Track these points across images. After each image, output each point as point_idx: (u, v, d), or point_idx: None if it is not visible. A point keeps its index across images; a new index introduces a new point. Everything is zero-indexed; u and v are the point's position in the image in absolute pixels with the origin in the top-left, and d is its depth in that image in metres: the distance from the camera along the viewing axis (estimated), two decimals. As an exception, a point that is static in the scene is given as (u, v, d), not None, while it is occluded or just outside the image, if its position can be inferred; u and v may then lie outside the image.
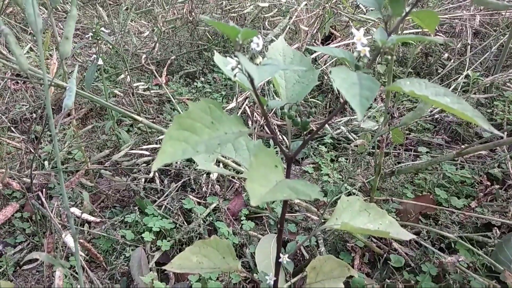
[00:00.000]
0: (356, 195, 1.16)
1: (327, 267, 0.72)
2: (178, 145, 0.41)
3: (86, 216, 0.95)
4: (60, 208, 1.08)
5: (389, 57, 0.46)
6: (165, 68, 1.66)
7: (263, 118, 1.59)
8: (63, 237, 0.76)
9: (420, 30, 1.73)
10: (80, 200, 1.31)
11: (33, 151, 1.43)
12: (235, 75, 0.46)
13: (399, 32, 1.23)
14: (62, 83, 0.77)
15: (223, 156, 0.70)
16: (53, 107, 1.84)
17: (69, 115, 0.94)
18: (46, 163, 1.46)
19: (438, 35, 1.93)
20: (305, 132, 0.55)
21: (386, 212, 0.68)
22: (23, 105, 1.85)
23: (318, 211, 1.01)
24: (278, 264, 0.67)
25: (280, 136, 1.49)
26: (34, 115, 1.77)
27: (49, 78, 0.53)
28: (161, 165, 0.39)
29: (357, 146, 1.28)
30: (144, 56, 1.58)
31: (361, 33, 0.44)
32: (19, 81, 1.96)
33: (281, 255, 0.65)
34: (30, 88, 1.96)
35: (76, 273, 1.01)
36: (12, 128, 1.71)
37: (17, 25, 2.50)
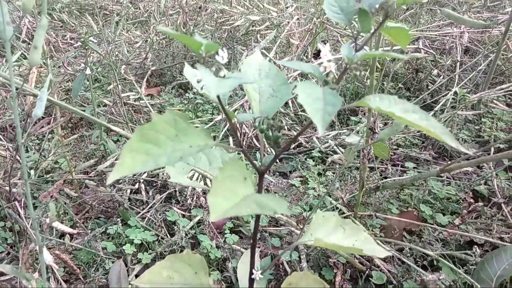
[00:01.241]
0: (340, 209, 1.16)
1: (303, 283, 0.71)
2: (139, 157, 0.40)
3: (63, 227, 0.93)
4: (41, 219, 1.07)
5: (357, 73, 0.46)
6: (145, 79, 1.65)
7: (252, 130, 1.59)
8: (36, 248, 0.75)
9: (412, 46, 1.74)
10: (63, 211, 1.30)
11: (18, 159, 1.42)
12: (202, 88, 0.45)
13: (379, 48, 1.24)
14: (36, 92, 0.76)
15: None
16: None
17: (48, 123, 0.93)
18: (32, 171, 1.45)
19: (429, 52, 1.94)
20: (277, 146, 0.55)
21: (362, 228, 0.67)
22: (21, 113, 1.85)
23: (298, 225, 1.00)
24: (251, 281, 0.66)
25: (270, 149, 1.48)
26: (23, 123, 1.76)
27: (17, 86, 0.53)
28: (118, 177, 0.38)
29: (333, 161, 1.28)
30: (123, 66, 1.57)
31: (327, 48, 0.44)
32: (10, 89, 1.96)
33: (254, 271, 0.64)
34: (21, 97, 1.96)
35: (58, 284, 0.99)
36: (0, 136, 1.70)
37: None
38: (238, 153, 1.40)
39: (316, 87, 0.43)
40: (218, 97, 0.44)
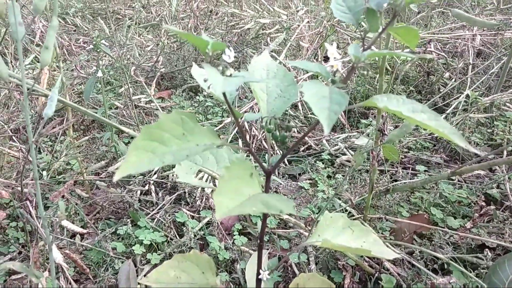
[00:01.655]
0: (349, 212, 1.15)
1: (310, 285, 0.70)
2: (144, 155, 0.41)
3: (73, 227, 0.94)
4: (52, 219, 1.08)
5: (365, 72, 0.46)
6: (154, 81, 1.66)
7: (261, 132, 1.59)
8: (47, 247, 0.76)
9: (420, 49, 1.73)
10: (75, 211, 1.31)
11: (30, 160, 1.44)
12: (209, 87, 0.45)
13: (390, 48, 1.23)
14: (48, 92, 0.77)
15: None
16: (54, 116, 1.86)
17: (60, 124, 0.94)
18: (44, 172, 1.47)
19: (441, 55, 1.92)
20: (284, 147, 0.55)
21: (370, 230, 0.66)
22: (33, 114, 1.88)
23: (306, 227, 0.99)
24: (258, 282, 0.65)
25: (279, 151, 1.48)
26: (35, 124, 1.78)
27: (28, 86, 0.54)
28: (124, 175, 0.38)
29: (342, 164, 1.27)
30: (133, 68, 1.59)
31: (334, 48, 0.44)
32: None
33: (261, 271, 0.64)
34: (34, 99, 1.99)
35: (68, 283, 1.00)
36: (14, 137, 1.73)
37: (27, 37, 2.55)
38: (247, 155, 1.41)
39: (322, 86, 0.43)
40: (224, 95, 0.44)
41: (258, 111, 1.45)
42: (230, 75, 0.42)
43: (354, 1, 0.48)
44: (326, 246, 0.63)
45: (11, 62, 2.24)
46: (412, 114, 0.46)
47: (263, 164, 0.55)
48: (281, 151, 1.29)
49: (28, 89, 0.54)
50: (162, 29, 2.03)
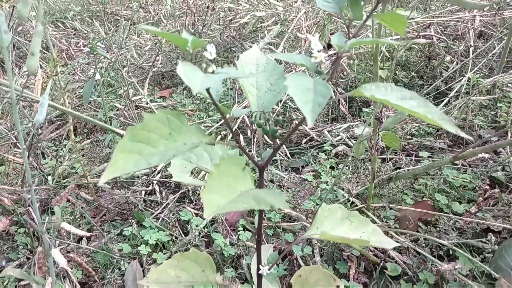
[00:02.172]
0: (353, 202, 1.14)
1: (313, 277, 0.70)
2: (131, 157, 0.41)
3: (77, 231, 0.95)
4: (53, 223, 1.09)
5: (351, 61, 0.45)
6: (147, 81, 1.66)
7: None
8: (51, 252, 0.77)
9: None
10: (80, 214, 1.32)
11: (34, 165, 1.45)
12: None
13: (380, 36, 1.22)
14: (38, 98, 0.78)
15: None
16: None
17: (57, 129, 0.95)
18: (49, 177, 1.48)
19: (442, 38, 1.90)
20: (274, 140, 0.54)
21: (369, 220, 0.66)
22: (30, 121, 1.89)
23: (307, 219, 0.99)
24: (259, 277, 0.65)
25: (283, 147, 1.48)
26: (40, 130, 1.80)
27: (17, 93, 0.54)
28: (110, 178, 0.38)
29: (338, 156, 1.26)
30: (125, 69, 1.59)
31: (316, 39, 0.43)
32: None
33: (261, 266, 0.64)
34: (32, 105, 2.00)
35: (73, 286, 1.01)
36: (18, 144, 1.74)
37: (26, 43, 2.56)
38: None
39: (306, 78, 0.42)
40: (209, 92, 0.44)
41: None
42: (213, 72, 0.41)
43: (337, -10, 0.47)
44: (324, 238, 0.63)
45: (13, 68, 2.25)
46: (400, 102, 0.45)
47: (255, 159, 0.55)
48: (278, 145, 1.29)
49: (17, 96, 0.54)
50: (159, 28, 2.03)
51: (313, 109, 0.39)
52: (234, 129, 1.52)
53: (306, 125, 1.47)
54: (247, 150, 1.45)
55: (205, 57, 0.41)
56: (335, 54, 0.47)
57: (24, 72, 2.10)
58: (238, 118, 1.53)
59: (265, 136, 0.55)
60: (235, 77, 0.50)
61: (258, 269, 0.64)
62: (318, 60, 0.43)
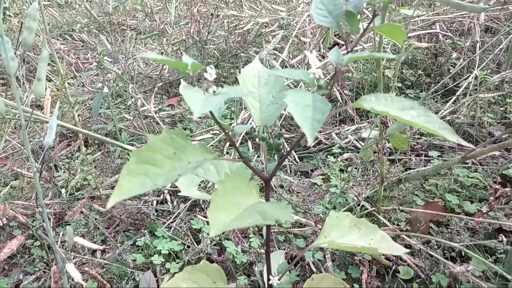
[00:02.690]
0: (363, 206, 1.14)
1: (323, 285, 0.70)
2: (137, 178, 0.42)
3: (90, 244, 0.97)
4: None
5: (350, 75, 0.46)
6: (153, 95, 1.68)
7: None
8: (66, 267, 0.78)
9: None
10: (94, 226, 1.34)
11: (48, 179, 1.48)
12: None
13: (382, 44, 1.21)
14: (47, 119, 0.79)
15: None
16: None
17: (68, 145, 0.97)
18: (63, 190, 1.50)
19: (448, 35, 1.88)
20: (279, 152, 0.55)
21: (377, 227, 0.66)
22: (41, 136, 1.92)
23: (316, 225, 0.99)
24: (270, 287, 0.66)
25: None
26: (44, 150, 1.82)
27: (27, 115, 0.55)
28: (117, 201, 0.39)
29: (345, 160, 1.26)
30: (131, 86, 1.61)
31: (314, 56, 0.44)
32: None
33: (270, 277, 0.64)
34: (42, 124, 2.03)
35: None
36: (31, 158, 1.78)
37: (36, 57, 2.60)
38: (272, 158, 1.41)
39: (306, 94, 0.43)
40: (211, 113, 0.45)
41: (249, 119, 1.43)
42: (214, 93, 0.42)
43: (334, 4, 0.48)
44: (333, 247, 0.63)
45: (23, 83, 2.29)
46: (400, 113, 0.45)
47: (260, 172, 0.55)
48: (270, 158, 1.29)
49: (26, 118, 0.55)
50: (165, 38, 2.05)
51: (312, 125, 0.39)
52: (241, 135, 1.52)
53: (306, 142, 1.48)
54: (255, 157, 1.46)
55: (205, 78, 0.42)
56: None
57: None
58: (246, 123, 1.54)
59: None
60: (235, 97, 0.50)
61: (268, 279, 0.64)
62: (317, 76, 0.44)
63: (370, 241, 0.64)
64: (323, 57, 1.89)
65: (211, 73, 0.42)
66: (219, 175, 0.64)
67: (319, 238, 0.65)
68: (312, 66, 0.44)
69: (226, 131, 0.48)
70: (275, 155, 1.53)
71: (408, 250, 0.65)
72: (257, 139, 1.57)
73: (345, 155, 1.21)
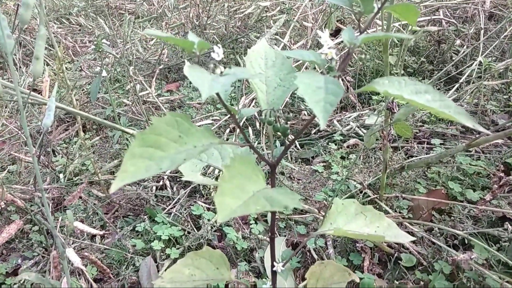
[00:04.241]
0: (365, 193, 1.13)
1: (327, 272, 0.70)
2: (141, 162, 0.40)
3: (89, 229, 0.96)
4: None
5: (362, 56, 0.44)
6: (154, 78, 1.65)
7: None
8: (66, 252, 0.77)
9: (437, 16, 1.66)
10: (93, 211, 1.33)
11: (45, 164, 1.46)
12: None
13: (390, 26, 1.19)
14: (46, 100, 0.77)
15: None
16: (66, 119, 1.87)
17: (66, 130, 0.95)
18: (61, 175, 1.49)
19: (451, 21, 1.86)
20: (285, 137, 0.53)
21: (383, 214, 0.65)
22: (39, 120, 1.90)
23: (319, 212, 0.98)
24: (274, 274, 0.65)
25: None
26: (50, 128, 1.80)
27: (24, 97, 0.53)
28: (121, 185, 0.38)
29: (349, 146, 1.25)
30: (131, 68, 1.58)
31: (327, 35, 0.42)
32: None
33: (275, 263, 0.63)
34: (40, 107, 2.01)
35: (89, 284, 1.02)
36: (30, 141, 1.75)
37: (32, 41, 2.56)
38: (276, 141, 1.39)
39: (317, 76, 0.41)
40: (218, 95, 0.43)
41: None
42: (221, 73, 0.40)
43: (346, -18, 0.46)
44: (338, 234, 0.62)
45: (20, 67, 2.26)
46: (415, 97, 0.44)
47: (266, 158, 0.54)
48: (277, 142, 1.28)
49: (24, 100, 0.53)
50: (163, 21, 2.01)
51: (325, 108, 0.38)
52: (242, 121, 1.51)
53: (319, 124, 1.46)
54: (256, 143, 1.44)
55: (212, 58, 0.40)
56: (342, 42, 0.46)
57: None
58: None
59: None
60: (243, 78, 0.49)
61: (273, 266, 0.63)
62: (329, 56, 0.42)
63: (376, 228, 0.63)
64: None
65: (218, 53, 0.41)
66: (223, 160, 0.63)
67: (324, 225, 0.64)
68: (324, 46, 0.42)
69: (233, 114, 0.47)
70: (276, 141, 1.51)
71: (414, 238, 0.63)
72: (257, 125, 1.55)
73: (351, 141, 1.20)
